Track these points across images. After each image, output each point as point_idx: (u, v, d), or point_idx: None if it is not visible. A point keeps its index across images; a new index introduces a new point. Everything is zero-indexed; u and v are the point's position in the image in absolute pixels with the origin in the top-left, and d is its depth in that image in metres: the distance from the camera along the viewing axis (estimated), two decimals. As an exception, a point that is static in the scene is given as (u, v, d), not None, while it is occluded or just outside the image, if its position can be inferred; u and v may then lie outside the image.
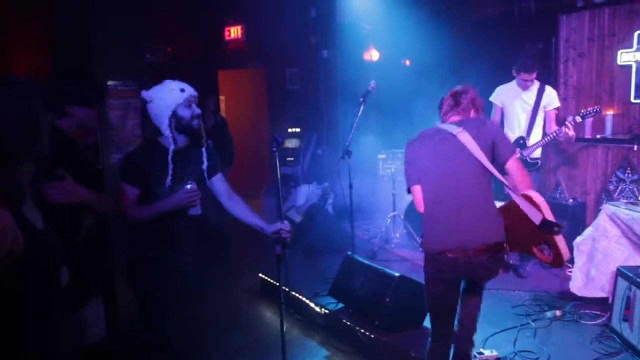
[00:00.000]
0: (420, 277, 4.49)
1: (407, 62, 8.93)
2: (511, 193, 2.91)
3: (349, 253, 4.64)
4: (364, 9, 8.30)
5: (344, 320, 4.28)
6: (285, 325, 4.42)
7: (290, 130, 8.38)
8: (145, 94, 2.87)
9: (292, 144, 8.21)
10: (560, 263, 2.94)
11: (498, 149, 2.96)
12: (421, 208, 3.12)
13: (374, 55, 8.89)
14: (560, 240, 2.81)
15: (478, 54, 7.56)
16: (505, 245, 2.94)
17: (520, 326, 4.14)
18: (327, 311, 4.47)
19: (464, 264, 2.89)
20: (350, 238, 5.15)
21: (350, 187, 4.99)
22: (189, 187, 2.87)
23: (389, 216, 6.38)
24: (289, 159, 8.08)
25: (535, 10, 7.09)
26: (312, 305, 4.63)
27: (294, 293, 4.81)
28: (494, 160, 2.96)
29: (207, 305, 4.88)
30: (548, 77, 6.64)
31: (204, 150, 3.01)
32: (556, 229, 2.74)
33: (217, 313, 4.79)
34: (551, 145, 5.94)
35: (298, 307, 4.76)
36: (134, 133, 7.30)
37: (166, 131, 2.83)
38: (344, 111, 7.59)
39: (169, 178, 2.86)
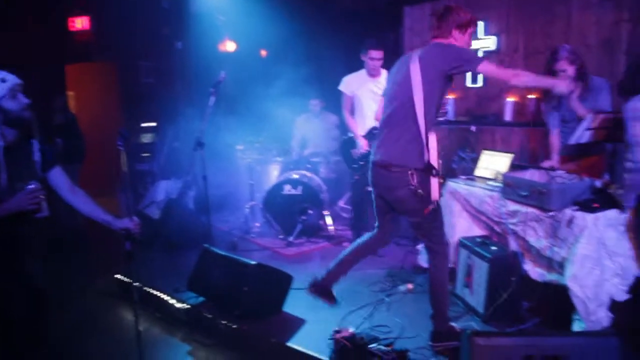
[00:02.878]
0: (280, 264, 4.58)
1: (263, 53, 8.97)
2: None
3: (206, 245, 4.58)
4: (217, -1, 8.22)
5: (205, 313, 4.23)
6: (146, 323, 4.33)
7: (144, 124, 8.10)
8: None
9: (147, 138, 7.94)
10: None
11: (460, 69, 3.32)
12: (377, 118, 3.78)
13: (229, 46, 8.82)
14: (434, 182, 3.35)
15: (334, 44, 7.76)
16: (407, 169, 3.33)
17: (376, 302, 4.32)
18: (187, 306, 4.39)
19: (373, 173, 3.57)
20: (209, 230, 5.10)
21: (204, 178, 4.92)
22: (31, 187, 2.67)
23: (247, 206, 6.39)
24: (144, 154, 7.81)
25: (386, 2, 7.39)
26: (172, 301, 4.52)
27: (152, 290, 4.68)
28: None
29: (62, 312, 4.61)
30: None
31: (34, 142, 2.82)
32: (434, 171, 3.33)
33: (72, 319, 4.52)
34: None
35: (158, 305, 4.62)
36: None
37: None
38: (200, 103, 7.47)
39: (4, 176, 2.65)
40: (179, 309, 4.46)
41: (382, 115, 3.58)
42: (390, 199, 3.56)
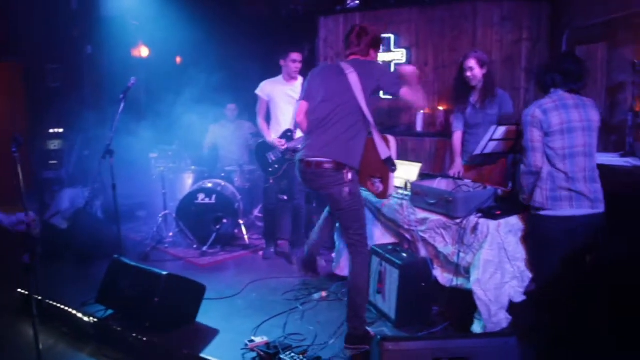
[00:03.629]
0: (193, 274, 4.50)
1: (178, 59, 8.83)
2: (373, 130, 3.65)
3: (116, 256, 4.44)
4: (130, 3, 8.01)
5: (114, 326, 4.09)
6: (51, 340, 4.13)
7: (52, 130, 7.74)
8: None
9: (54, 145, 7.60)
10: (385, 195, 3.84)
11: (384, 89, 3.71)
12: (298, 119, 3.84)
13: (143, 51, 8.62)
14: (391, 178, 3.72)
15: (248, 52, 7.74)
16: (343, 167, 3.54)
17: (290, 310, 4.33)
18: (95, 319, 4.23)
19: (303, 173, 3.68)
20: (119, 240, 4.95)
21: (114, 187, 4.77)
22: None
23: (160, 215, 6.26)
24: (51, 161, 7.47)
25: (302, 12, 7.45)
26: (80, 315, 4.34)
27: (57, 304, 4.47)
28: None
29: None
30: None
31: None
32: (394, 167, 3.71)
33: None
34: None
35: (64, 319, 4.42)
36: None
37: None
38: (111, 110, 7.25)
39: None
40: (86, 323, 4.28)
41: (310, 117, 3.72)
42: (323, 194, 3.72)
